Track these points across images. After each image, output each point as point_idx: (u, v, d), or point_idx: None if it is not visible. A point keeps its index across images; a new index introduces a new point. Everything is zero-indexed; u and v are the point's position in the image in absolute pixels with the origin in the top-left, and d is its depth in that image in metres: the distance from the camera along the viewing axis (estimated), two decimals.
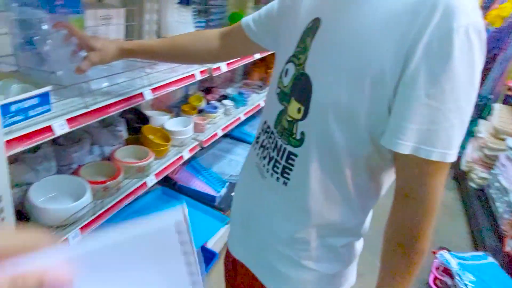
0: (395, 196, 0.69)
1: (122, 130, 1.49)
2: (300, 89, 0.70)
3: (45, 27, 1.06)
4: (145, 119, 1.62)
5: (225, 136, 2.69)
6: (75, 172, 1.22)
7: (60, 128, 0.86)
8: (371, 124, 0.64)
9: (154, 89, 1.17)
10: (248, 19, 0.91)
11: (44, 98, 0.83)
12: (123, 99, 1.06)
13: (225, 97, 2.13)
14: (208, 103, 2.01)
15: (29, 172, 1.06)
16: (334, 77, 0.64)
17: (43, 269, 0.25)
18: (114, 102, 1.03)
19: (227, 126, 1.90)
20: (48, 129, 0.84)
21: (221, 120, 1.92)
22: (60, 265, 0.25)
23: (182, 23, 1.65)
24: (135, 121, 1.60)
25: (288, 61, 0.73)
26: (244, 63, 1.90)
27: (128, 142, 1.49)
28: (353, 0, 0.64)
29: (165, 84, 1.25)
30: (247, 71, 2.67)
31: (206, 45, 0.98)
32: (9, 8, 1.01)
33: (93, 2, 1.41)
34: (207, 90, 2.25)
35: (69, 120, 0.90)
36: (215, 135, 1.80)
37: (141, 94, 1.12)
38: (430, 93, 0.57)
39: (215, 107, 1.92)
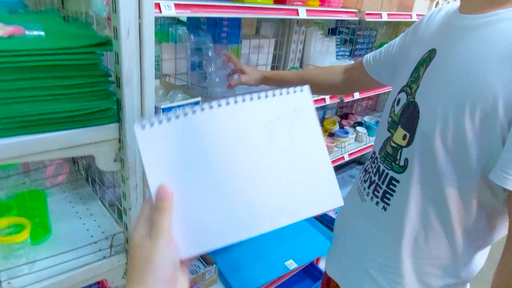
0: (506, 243, 0.62)
1: None
2: (407, 117, 0.72)
3: (210, 53, 1.38)
4: None
5: (359, 163, 2.68)
6: None
7: None
8: (483, 157, 0.61)
9: None
10: (368, 56, 0.99)
11: (194, 105, 1.10)
12: None
13: (360, 124, 2.16)
14: (341, 127, 2.08)
15: None
16: (442, 106, 0.64)
17: None
18: None
19: (355, 152, 1.93)
20: None
21: (351, 145, 1.96)
22: None
23: (324, 53, 1.80)
24: None
25: (401, 91, 0.77)
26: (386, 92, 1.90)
27: None
28: (471, 31, 0.64)
29: None
30: None
31: (330, 78, 1.10)
32: (188, 39, 1.36)
33: (251, 34, 1.71)
34: (345, 116, 2.32)
35: None
36: (342, 158, 1.85)
37: None
38: None
39: (347, 132, 1.97)
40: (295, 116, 0.47)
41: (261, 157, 0.45)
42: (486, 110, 0.58)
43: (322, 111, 2.20)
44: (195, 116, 0.45)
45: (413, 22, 1.96)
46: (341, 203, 0.48)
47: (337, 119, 2.20)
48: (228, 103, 0.45)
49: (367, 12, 1.48)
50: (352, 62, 1.84)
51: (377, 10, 1.54)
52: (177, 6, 0.90)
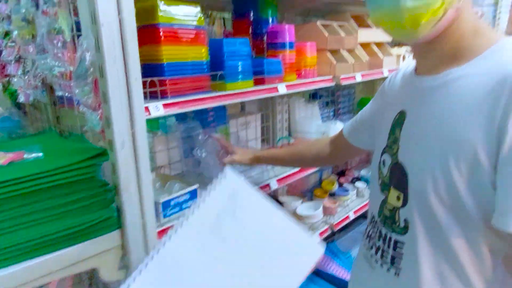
0: None
1: None
2: (397, 178, 0.74)
3: (201, 138, 1.43)
4: (279, 205, 1.81)
5: (365, 217, 2.64)
6: None
7: None
8: (481, 205, 0.62)
9: (279, 180, 1.36)
10: (347, 125, 1.04)
11: (193, 194, 1.11)
12: None
13: (358, 179, 2.17)
14: (340, 186, 2.08)
15: None
16: (428, 164, 0.66)
17: None
18: None
19: (359, 209, 1.91)
20: None
21: (353, 202, 1.95)
22: None
23: (309, 118, 1.88)
24: None
25: (384, 152, 0.79)
26: None
27: None
28: (434, 91, 0.69)
29: (288, 175, 1.43)
30: None
31: (318, 152, 1.14)
32: (178, 129, 1.41)
33: (237, 112, 1.79)
34: (342, 173, 2.33)
35: None
36: (347, 217, 1.82)
37: (268, 185, 1.33)
38: None
39: (347, 190, 1.97)
40: (233, 202, 0.52)
41: (230, 261, 0.51)
42: (470, 161, 0.61)
43: (319, 173, 2.22)
44: (155, 261, 0.50)
45: (386, 77, 2.09)
46: (321, 249, 0.50)
47: (334, 177, 2.21)
48: (176, 230, 0.50)
49: (342, 77, 1.58)
50: (338, 121, 1.91)
51: (350, 73, 1.65)
52: (165, 105, 0.95)
